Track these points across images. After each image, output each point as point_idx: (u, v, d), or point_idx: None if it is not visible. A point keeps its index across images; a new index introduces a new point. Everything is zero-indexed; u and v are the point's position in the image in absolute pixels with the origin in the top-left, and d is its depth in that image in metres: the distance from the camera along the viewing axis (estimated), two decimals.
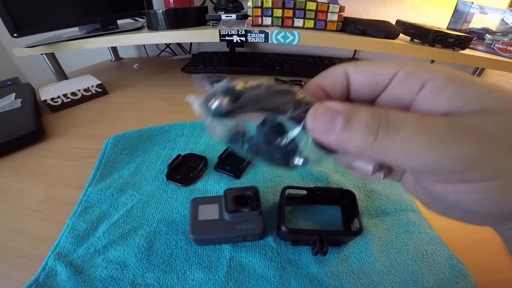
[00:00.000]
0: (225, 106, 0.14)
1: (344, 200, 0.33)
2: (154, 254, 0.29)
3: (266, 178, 0.38)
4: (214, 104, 0.14)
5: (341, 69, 0.16)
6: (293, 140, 0.14)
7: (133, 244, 0.29)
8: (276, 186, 0.36)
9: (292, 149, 0.14)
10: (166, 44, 1.04)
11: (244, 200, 0.29)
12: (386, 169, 0.17)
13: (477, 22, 0.65)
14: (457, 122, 0.12)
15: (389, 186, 0.37)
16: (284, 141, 0.15)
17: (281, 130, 0.15)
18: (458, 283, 0.26)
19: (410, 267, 0.28)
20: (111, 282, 0.26)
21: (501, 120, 0.12)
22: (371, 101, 0.16)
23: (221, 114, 0.14)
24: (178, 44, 1.03)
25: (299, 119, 0.14)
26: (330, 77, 0.17)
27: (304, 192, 0.33)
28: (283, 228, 0.28)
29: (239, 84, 0.14)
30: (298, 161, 0.15)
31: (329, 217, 0.33)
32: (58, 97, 0.60)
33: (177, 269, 0.27)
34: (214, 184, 0.37)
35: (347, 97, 0.17)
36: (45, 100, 0.58)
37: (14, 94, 0.62)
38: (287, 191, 0.32)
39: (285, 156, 0.15)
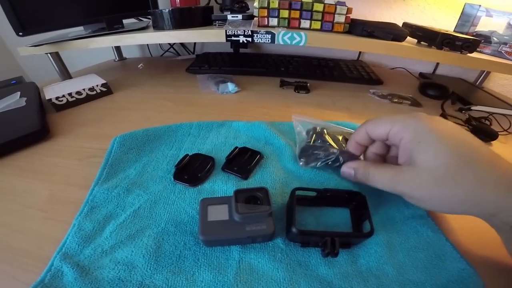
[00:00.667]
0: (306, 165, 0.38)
1: (354, 202, 0.33)
2: (162, 255, 0.28)
3: (274, 179, 0.37)
4: (301, 162, 0.39)
5: (362, 129, 0.33)
6: None
7: (140, 245, 0.29)
8: (284, 188, 0.36)
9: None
10: (169, 44, 1.04)
11: (254, 201, 0.29)
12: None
13: (484, 25, 0.65)
14: (394, 173, 0.29)
15: None
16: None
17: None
18: (467, 285, 0.26)
19: (419, 270, 0.27)
20: (119, 284, 0.26)
21: (416, 174, 0.27)
22: (385, 141, 0.33)
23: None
24: (182, 44, 1.03)
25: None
26: (358, 135, 0.34)
27: (314, 193, 0.33)
28: (294, 230, 0.27)
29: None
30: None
31: (339, 219, 0.33)
32: (63, 96, 0.59)
33: (186, 271, 0.27)
34: (222, 184, 0.37)
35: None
36: (50, 99, 0.58)
37: (19, 93, 0.61)
38: (297, 193, 0.32)
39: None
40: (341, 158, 0.37)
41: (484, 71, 0.77)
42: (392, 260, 0.28)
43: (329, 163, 0.37)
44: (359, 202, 0.32)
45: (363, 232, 0.29)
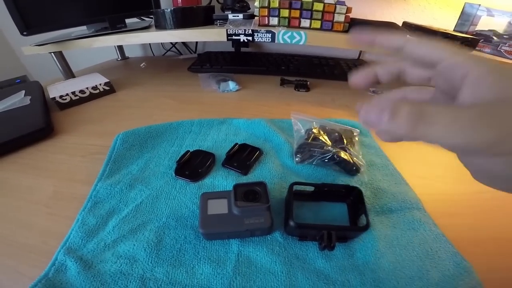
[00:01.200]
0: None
1: (351, 197, 0.34)
2: (163, 248, 0.29)
3: (273, 175, 0.38)
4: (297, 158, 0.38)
5: (400, 38, 0.20)
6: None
7: (142, 239, 0.30)
8: (282, 183, 0.37)
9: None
10: (171, 43, 1.05)
11: (253, 195, 0.30)
12: None
13: (484, 24, 0.65)
14: (483, 111, 0.15)
15: (395, 184, 0.38)
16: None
17: None
18: (463, 280, 0.26)
19: (415, 264, 0.28)
20: (121, 277, 0.26)
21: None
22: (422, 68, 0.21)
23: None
24: (184, 43, 1.04)
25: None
26: (391, 40, 0.21)
27: (311, 188, 0.33)
28: (291, 223, 0.28)
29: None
30: None
31: (336, 214, 0.33)
32: (67, 94, 0.60)
33: (186, 264, 0.28)
34: (222, 180, 0.38)
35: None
36: (54, 98, 0.59)
37: (23, 92, 0.63)
38: (295, 187, 0.32)
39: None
40: (336, 156, 0.38)
41: None
42: (389, 255, 0.28)
43: (326, 160, 0.38)
44: (356, 197, 0.33)
45: (359, 226, 0.30)
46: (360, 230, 0.30)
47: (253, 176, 0.39)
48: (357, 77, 0.23)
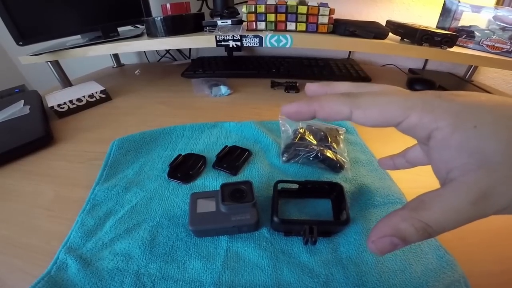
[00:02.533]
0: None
1: (334, 193, 0.35)
2: (156, 246, 0.31)
3: (261, 174, 0.40)
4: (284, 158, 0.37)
5: (346, 108, 0.18)
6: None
7: (137, 237, 0.32)
8: (270, 182, 0.38)
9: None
10: (166, 50, 1.07)
11: (239, 193, 0.32)
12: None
13: (467, 20, 0.67)
14: (468, 195, 0.15)
15: (379, 180, 0.39)
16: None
17: None
18: (446, 273, 0.26)
19: (398, 257, 0.28)
20: (117, 273, 0.28)
21: (501, 175, 0.14)
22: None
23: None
24: (178, 49, 1.06)
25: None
26: (332, 114, 0.19)
27: (296, 186, 0.35)
28: (275, 219, 0.30)
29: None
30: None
31: (321, 210, 0.35)
32: (64, 103, 0.62)
33: (178, 259, 0.29)
34: (212, 180, 0.40)
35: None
36: (52, 107, 0.61)
37: (22, 101, 0.65)
38: (280, 185, 0.34)
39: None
40: (320, 155, 0.39)
41: (472, 65, 0.79)
42: None
43: (310, 158, 0.40)
44: (339, 193, 0.34)
45: (340, 220, 0.31)
46: (341, 224, 0.31)
47: (242, 176, 0.40)
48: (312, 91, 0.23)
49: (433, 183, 0.24)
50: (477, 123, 0.15)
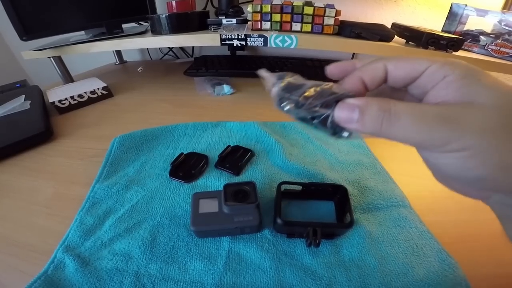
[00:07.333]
0: (291, 109, 0.21)
1: (338, 195, 0.35)
2: (157, 246, 0.30)
3: (264, 175, 0.40)
4: (286, 107, 0.21)
5: (381, 64, 0.20)
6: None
7: (137, 237, 0.31)
8: (273, 183, 0.38)
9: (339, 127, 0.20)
10: (169, 47, 1.06)
11: (242, 194, 0.31)
12: None
13: (473, 24, 0.66)
14: (443, 111, 0.16)
15: (382, 182, 0.39)
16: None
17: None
18: (448, 276, 0.26)
19: (401, 261, 0.28)
20: (116, 273, 0.28)
21: (482, 113, 0.16)
22: (403, 87, 0.21)
23: (288, 112, 0.21)
24: (181, 47, 1.06)
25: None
26: (371, 72, 0.20)
27: (299, 187, 0.35)
28: (279, 221, 0.29)
29: (303, 95, 0.20)
30: (345, 134, 0.20)
31: (324, 212, 0.34)
32: (66, 99, 0.62)
33: (179, 260, 0.29)
34: (214, 180, 0.39)
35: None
36: (53, 102, 0.61)
37: (23, 96, 0.64)
38: (283, 187, 0.34)
39: (334, 130, 0.20)
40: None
41: None
42: (374, 251, 0.29)
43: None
44: (342, 195, 0.34)
45: (344, 223, 0.31)
46: (345, 227, 0.31)
47: (245, 177, 0.40)
48: (334, 67, 0.24)
49: (436, 187, 0.24)
50: (482, 78, 0.17)
